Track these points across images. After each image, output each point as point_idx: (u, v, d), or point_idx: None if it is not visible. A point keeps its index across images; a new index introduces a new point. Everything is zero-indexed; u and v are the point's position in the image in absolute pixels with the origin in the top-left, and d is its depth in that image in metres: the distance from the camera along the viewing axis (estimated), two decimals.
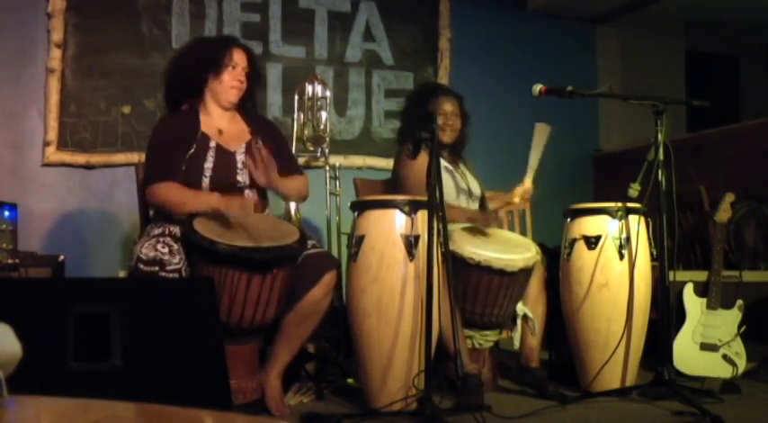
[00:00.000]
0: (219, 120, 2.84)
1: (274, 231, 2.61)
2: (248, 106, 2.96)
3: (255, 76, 2.91)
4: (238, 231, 2.52)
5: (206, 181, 2.70)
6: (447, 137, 3.29)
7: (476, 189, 3.37)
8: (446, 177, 3.21)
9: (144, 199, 2.99)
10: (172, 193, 2.65)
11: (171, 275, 2.47)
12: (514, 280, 2.97)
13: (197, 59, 2.81)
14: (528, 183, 3.22)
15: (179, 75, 2.82)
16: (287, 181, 2.81)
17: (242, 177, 2.76)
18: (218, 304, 2.38)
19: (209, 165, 2.72)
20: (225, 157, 2.76)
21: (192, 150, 2.73)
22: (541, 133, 3.20)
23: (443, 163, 3.23)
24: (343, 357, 3.31)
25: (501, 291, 2.95)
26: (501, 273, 2.90)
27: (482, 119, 3.53)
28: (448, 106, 3.31)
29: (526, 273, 3.02)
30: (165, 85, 2.90)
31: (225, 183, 2.72)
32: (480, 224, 3.15)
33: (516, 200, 3.26)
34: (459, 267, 2.85)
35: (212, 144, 2.76)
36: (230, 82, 2.81)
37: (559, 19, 5.47)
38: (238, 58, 2.83)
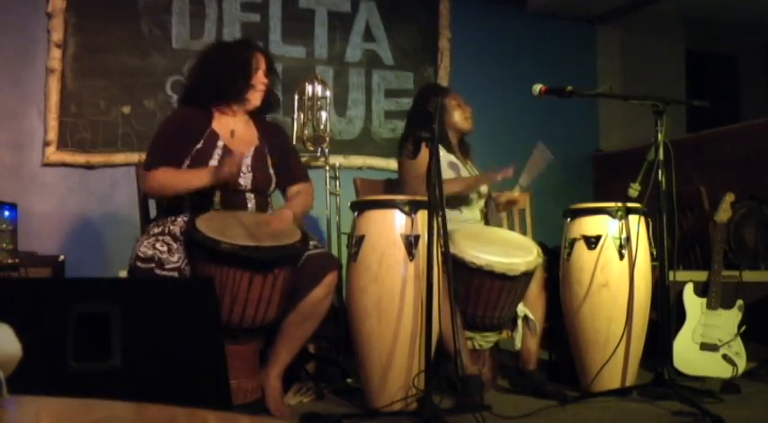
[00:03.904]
0: (236, 123, 2.86)
1: (276, 231, 2.61)
2: (272, 107, 3.01)
3: (274, 78, 2.95)
4: (240, 231, 2.52)
5: None
6: (469, 123, 3.41)
7: (483, 188, 3.39)
8: (449, 172, 3.22)
9: (144, 198, 3.00)
10: (162, 176, 2.68)
11: (169, 274, 2.48)
12: (516, 283, 2.96)
13: (228, 63, 2.82)
14: (517, 193, 3.29)
15: (210, 78, 2.82)
16: (295, 206, 2.84)
17: (244, 181, 2.77)
18: (219, 304, 2.38)
19: (213, 163, 2.73)
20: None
21: (200, 146, 2.74)
22: (540, 155, 3.23)
23: (451, 158, 3.29)
24: (343, 357, 3.31)
25: (503, 294, 2.95)
26: (503, 277, 2.90)
27: (482, 119, 3.53)
28: (461, 99, 3.42)
29: (528, 276, 3.01)
30: (191, 87, 2.90)
31: (228, 184, 2.72)
32: (486, 181, 3.22)
33: (500, 207, 3.35)
34: (460, 271, 2.84)
35: (220, 143, 2.77)
36: (257, 86, 2.85)
37: (559, 19, 5.47)
38: (261, 61, 2.87)
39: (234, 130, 2.84)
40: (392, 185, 3.53)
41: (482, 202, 3.41)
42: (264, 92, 2.88)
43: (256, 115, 2.95)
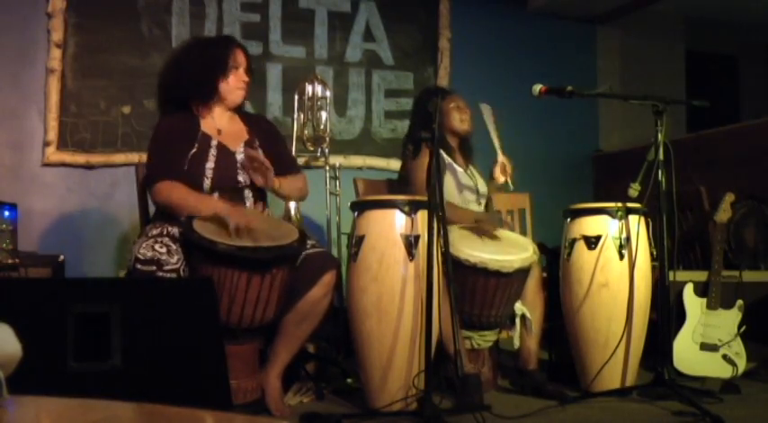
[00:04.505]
0: (219, 120, 2.86)
1: (274, 231, 2.61)
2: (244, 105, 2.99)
3: (252, 75, 2.94)
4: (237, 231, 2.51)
5: (207, 182, 2.71)
6: (466, 125, 3.39)
7: (483, 188, 3.39)
8: (448, 175, 3.22)
9: (143, 198, 3.00)
10: (174, 193, 2.65)
11: (168, 275, 2.47)
12: (511, 280, 2.96)
13: (206, 61, 2.80)
14: (501, 157, 3.28)
15: (187, 77, 2.81)
16: (285, 181, 2.82)
17: (242, 177, 2.77)
18: (218, 304, 2.38)
19: (210, 165, 2.72)
20: (225, 156, 2.76)
21: (194, 150, 2.73)
22: (487, 113, 3.36)
23: (449, 161, 3.28)
24: (343, 357, 3.31)
25: (498, 292, 2.95)
26: (497, 274, 2.90)
27: (481, 118, 3.53)
28: (460, 102, 3.41)
29: (523, 273, 3.01)
30: (166, 87, 2.87)
31: (226, 183, 2.72)
32: (486, 225, 3.15)
33: (500, 177, 3.28)
34: (455, 269, 2.84)
35: (214, 143, 2.77)
36: (237, 83, 2.84)
37: (559, 19, 5.47)
38: (240, 58, 2.85)
39: (220, 128, 2.83)
40: (392, 185, 3.53)
41: (483, 204, 3.40)
42: (245, 90, 2.87)
43: (239, 109, 2.94)
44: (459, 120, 3.36)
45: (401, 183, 3.34)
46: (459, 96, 3.47)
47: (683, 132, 5.55)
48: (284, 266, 2.55)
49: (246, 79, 2.86)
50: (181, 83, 2.82)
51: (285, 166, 2.89)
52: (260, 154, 2.70)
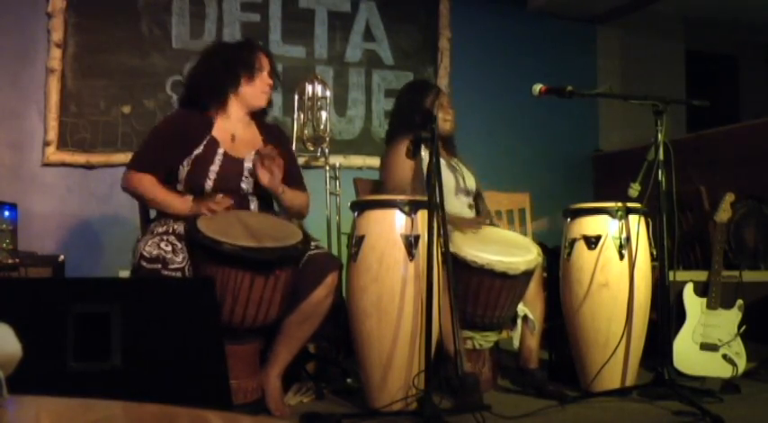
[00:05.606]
0: (236, 125, 2.85)
1: (278, 232, 2.61)
2: (267, 110, 3.00)
3: (275, 80, 2.95)
4: (242, 231, 2.52)
5: (210, 183, 2.71)
6: (449, 125, 3.33)
7: (470, 184, 3.34)
8: (447, 174, 3.20)
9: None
10: (145, 184, 2.71)
11: (174, 274, 2.47)
12: (516, 282, 2.96)
13: (231, 63, 2.82)
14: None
15: (211, 77, 2.82)
16: (289, 190, 2.83)
17: (246, 185, 2.76)
18: (219, 304, 2.38)
19: (214, 168, 2.72)
20: (232, 164, 2.76)
21: (199, 151, 2.73)
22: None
23: (442, 161, 3.23)
24: (344, 357, 3.31)
25: (503, 293, 2.95)
26: (503, 276, 2.90)
27: (482, 118, 3.54)
28: (445, 99, 3.36)
29: (528, 275, 3.01)
30: (191, 88, 2.89)
31: (228, 187, 2.72)
32: (465, 226, 3.12)
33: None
34: (460, 270, 2.84)
35: (220, 151, 2.76)
36: (262, 87, 2.86)
37: (559, 19, 5.47)
38: (264, 62, 2.87)
39: (234, 134, 2.83)
40: (377, 183, 3.49)
41: (471, 198, 3.36)
42: (269, 94, 2.89)
43: (257, 116, 2.94)
44: (441, 119, 3.26)
45: (383, 178, 3.28)
46: (443, 93, 3.41)
47: (683, 132, 5.56)
48: (288, 267, 2.55)
49: (270, 82, 2.87)
50: (204, 83, 2.83)
51: (293, 180, 2.90)
52: (274, 151, 2.70)
